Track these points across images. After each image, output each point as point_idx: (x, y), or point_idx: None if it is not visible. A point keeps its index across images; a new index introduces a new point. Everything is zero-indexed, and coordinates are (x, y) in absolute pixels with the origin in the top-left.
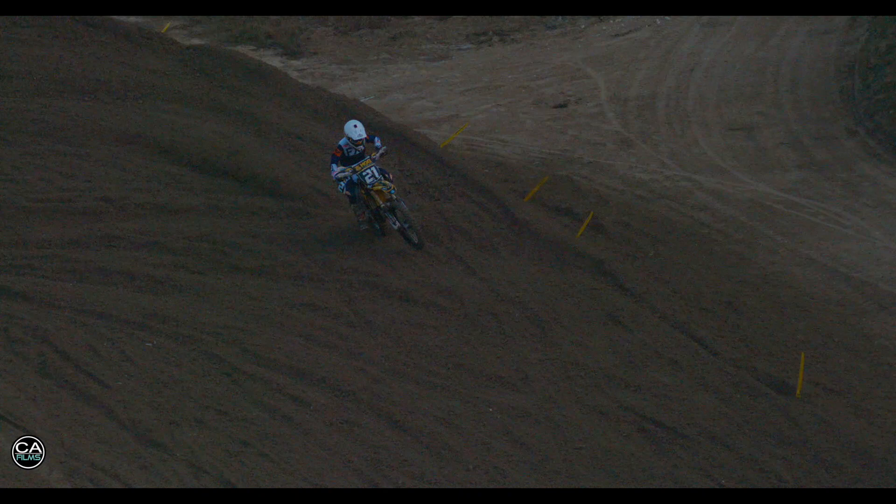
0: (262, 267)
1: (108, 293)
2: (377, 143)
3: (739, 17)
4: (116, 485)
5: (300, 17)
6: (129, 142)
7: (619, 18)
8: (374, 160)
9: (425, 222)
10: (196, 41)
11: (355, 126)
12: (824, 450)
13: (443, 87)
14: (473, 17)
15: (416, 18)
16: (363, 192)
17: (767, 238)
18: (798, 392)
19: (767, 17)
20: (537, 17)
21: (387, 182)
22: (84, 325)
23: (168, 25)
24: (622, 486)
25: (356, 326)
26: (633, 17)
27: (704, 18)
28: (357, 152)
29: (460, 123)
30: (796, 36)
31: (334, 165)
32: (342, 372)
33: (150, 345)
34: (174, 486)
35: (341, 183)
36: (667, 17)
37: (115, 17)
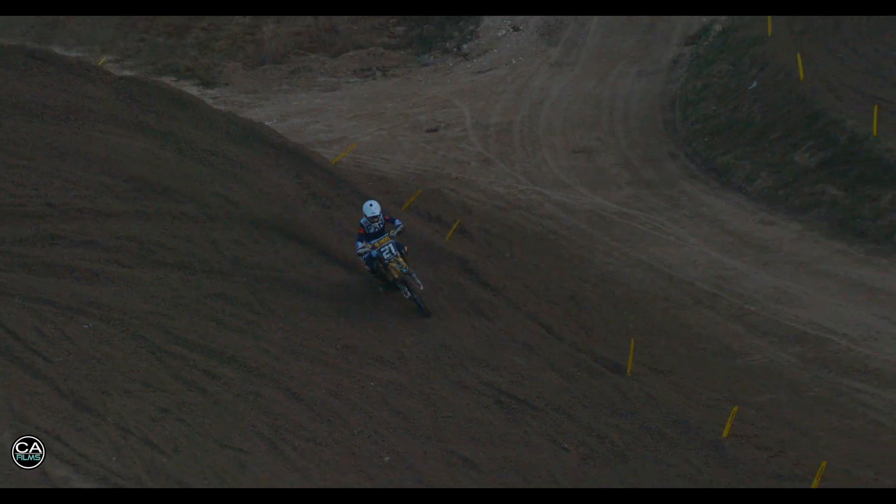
0: (181, 263)
1: (52, 283)
2: (397, 223)
3: (581, 59)
4: (56, 445)
5: (217, 52)
6: (70, 157)
7: (480, 58)
8: (391, 237)
9: (322, 228)
10: (127, 72)
11: (371, 205)
12: (650, 419)
13: (334, 113)
14: (360, 54)
15: (311, 56)
16: (381, 265)
17: (604, 243)
18: (628, 371)
19: (604, 61)
20: (413, 56)
21: (401, 260)
22: (31, 310)
23: (103, 60)
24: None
25: (260, 313)
26: (493, 56)
27: (552, 59)
28: (376, 229)
29: (348, 144)
30: (628, 76)
31: (359, 242)
32: (248, 351)
33: (86, 327)
34: (104, 445)
35: (363, 256)
36: (521, 58)
37: (59, 52)
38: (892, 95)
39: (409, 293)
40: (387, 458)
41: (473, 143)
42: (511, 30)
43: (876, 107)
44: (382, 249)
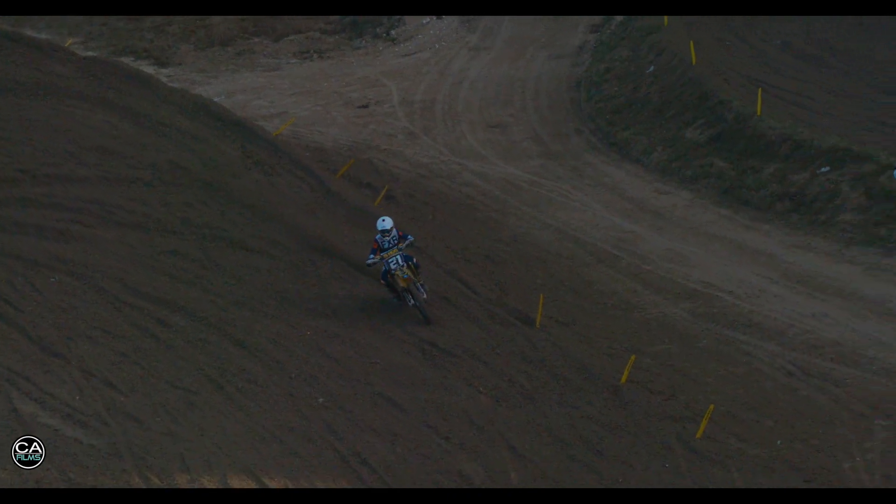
0: (138, 223)
1: (22, 241)
2: (408, 238)
3: (497, 45)
4: (25, 384)
5: (171, 35)
6: (40, 128)
7: (406, 42)
8: (400, 249)
9: (264, 193)
10: (91, 53)
11: (383, 220)
12: (557, 367)
13: (275, 91)
14: (299, 38)
15: (255, 40)
16: (391, 276)
17: (516, 208)
18: (537, 323)
19: (517, 46)
20: (347, 40)
21: (406, 270)
22: (3, 265)
23: (70, 41)
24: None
25: (208, 268)
26: (418, 41)
27: (471, 44)
28: (390, 244)
29: (288, 118)
30: (538, 59)
31: (371, 255)
32: (197, 302)
33: (53, 280)
34: (68, 385)
35: (382, 270)
36: (443, 43)
37: (30, 34)
38: (774, 80)
39: (412, 301)
40: (321, 400)
41: (400, 118)
42: (434, 18)
43: (759, 89)
44: (390, 260)
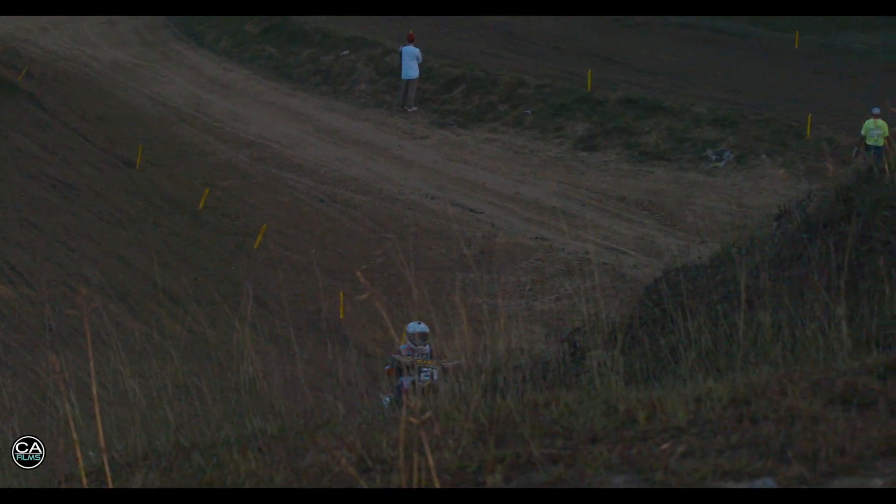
0: None
1: None
2: (444, 365)
3: None
4: None
5: None
6: None
7: None
8: (444, 366)
9: None
10: None
11: (419, 323)
12: (152, 198)
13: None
14: None
15: None
16: (405, 394)
17: (123, 83)
18: (138, 166)
19: None
20: None
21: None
22: None
23: None
24: None
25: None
26: None
27: None
28: (421, 355)
29: None
30: None
31: (396, 356)
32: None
33: None
34: None
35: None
36: None
37: None
38: None
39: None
40: None
41: (38, 18)
42: None
43: None
44: (424, 369)
